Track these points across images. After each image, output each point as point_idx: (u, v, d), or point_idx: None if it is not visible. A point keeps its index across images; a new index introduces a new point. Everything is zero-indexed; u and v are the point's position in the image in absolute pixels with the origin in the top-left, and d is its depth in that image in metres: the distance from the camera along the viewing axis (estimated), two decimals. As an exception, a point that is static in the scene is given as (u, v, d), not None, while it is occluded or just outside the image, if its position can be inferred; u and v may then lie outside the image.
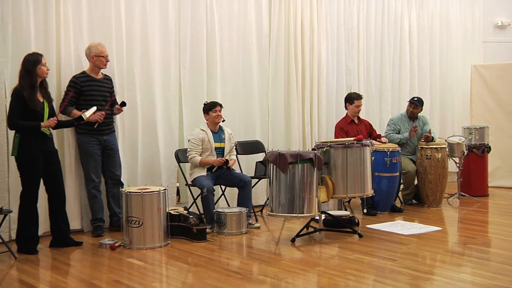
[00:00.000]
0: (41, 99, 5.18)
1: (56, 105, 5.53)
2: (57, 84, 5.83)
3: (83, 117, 5.39)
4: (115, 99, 6.03)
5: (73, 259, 5.12)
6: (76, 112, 5.61)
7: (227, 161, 6.10)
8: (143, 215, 5.31)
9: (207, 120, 6.18)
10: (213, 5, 6.87)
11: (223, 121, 6.23)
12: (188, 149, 6.13)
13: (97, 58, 5.78)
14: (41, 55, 5.17)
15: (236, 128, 6.95)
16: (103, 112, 5.72)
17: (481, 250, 5.17)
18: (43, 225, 5.56)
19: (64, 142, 5.86)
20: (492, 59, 9.23)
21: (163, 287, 4.32)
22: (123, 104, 5.95)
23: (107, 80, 5.97)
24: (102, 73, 5.92)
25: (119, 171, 6.04)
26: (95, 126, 5.69)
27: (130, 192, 5.37)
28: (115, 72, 6.14)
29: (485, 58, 9.30)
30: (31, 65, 5.08)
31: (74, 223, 5.85)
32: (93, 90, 5.79)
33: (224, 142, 6.22)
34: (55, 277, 4.57)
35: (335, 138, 6.92)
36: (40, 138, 5.16)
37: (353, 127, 6.98)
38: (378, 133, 7.31)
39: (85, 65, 5.89)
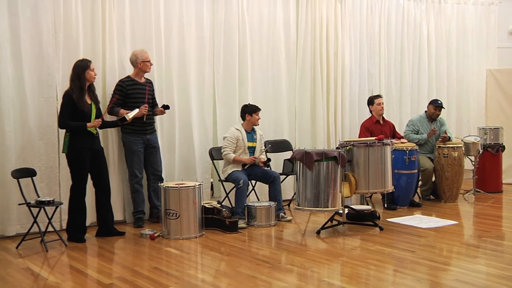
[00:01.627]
0: (89, 101, 5.27)
1: (102, 106, 5.62)
2: (102, 87, 5.93)
3: (126, 117, 5.47)
4: (156, 102, 6.09)
5: (117, 248, 5.20)
6: (122, 111, 5.68)
7: (268, 159, 6.20)
8: (180, 208, 5.36)
9: (247, 120, 6.20)
10: (245, 14, 6.89)
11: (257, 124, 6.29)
12: (223, 146, 6.17)
13: (144, 63, 5.85)
14: (89, 61, 5.27)
15: (265, 128, 6.95)
16: (146, 105, 5.75)
17: (496, 243, 5.10)
18: (90, 216, 5.64)
19: (109, 141, 5.96)
20: (506, 63, 9.03)
21: (198, 274, 4.36)
22: (167, 107, 6.00)
23: (149, 83, 6.03)
24: (144, 77, 5.99)
25: (160, 167, 6.11)
26: (144, 120, 5.75)
27: (168, 186, 5.43)
28: (155, 77, 6.21)
29: (499, 62, 9.10)
30: (81, 69, 5.18)
31: (117, 214, 5.93)
32: (137, 93, 5.86)
33: (255, 142, 6.25)
34: (101, 263, 4.66)
35: (359, 137, 6.89)
36: (88, 137, 5.25)
37: (378, 127, 6.91)
38: (401, 135, 7.25)
39: (128, 71, 5.98)
